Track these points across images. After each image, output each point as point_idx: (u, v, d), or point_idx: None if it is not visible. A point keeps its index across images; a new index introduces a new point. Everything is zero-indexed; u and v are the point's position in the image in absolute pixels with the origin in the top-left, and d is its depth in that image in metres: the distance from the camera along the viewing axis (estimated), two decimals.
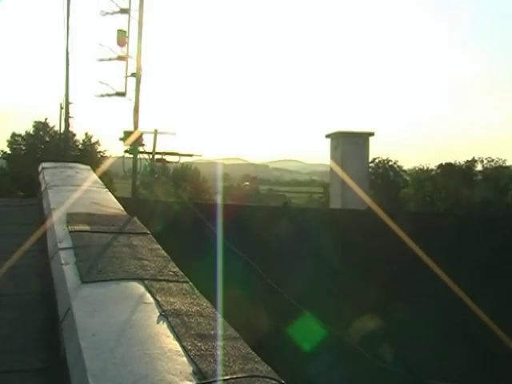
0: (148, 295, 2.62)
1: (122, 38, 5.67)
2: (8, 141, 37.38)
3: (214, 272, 4.41)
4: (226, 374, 1.84)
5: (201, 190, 42.89)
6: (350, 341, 6.32)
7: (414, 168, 51.06)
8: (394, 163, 48.91)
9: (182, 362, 1.93)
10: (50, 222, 4.44)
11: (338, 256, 8.60)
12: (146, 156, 6.16)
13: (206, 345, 2.08)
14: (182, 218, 7.41)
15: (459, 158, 52.57)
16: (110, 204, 5.34)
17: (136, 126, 5.44)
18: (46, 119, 37.37)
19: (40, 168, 7.84)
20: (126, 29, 5.72)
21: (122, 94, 5.73)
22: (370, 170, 30.62)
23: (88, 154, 34.63)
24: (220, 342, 2.13)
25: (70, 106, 17.90)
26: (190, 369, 1.89)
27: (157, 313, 2.39)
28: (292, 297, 5.97)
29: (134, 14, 5.56)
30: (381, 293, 8.08)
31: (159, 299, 2.55)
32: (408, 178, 49.96)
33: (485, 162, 48.81)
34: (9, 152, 37.28)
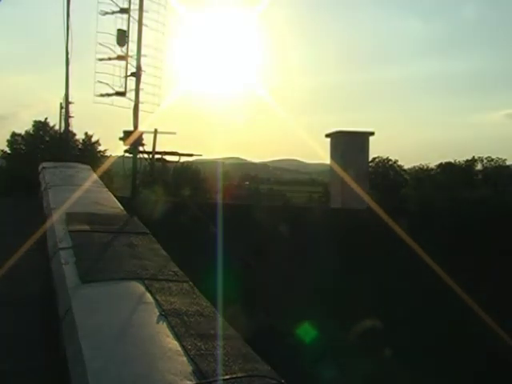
0: (148, 295, 2.62)
1: (121, 37, 5.67)
2: (8, 140, 37.36)
3: (214, 272, 4.41)
4: (226, 374, 1.84)
5: (201, 189, 42.86)
6: (350, 340, 6.32)
7: (414, 167, 51.14)
8: (394, 162, 48.91)
9: (182, 362, 1.93)
10: (50, 222, 4.44)
11: (338, 255, 8.59)
12: (145, 156, 6.16)
13: (205, 344, 2.09)
14: (182, 217, 7.40)
15: (459, 157, 52.59)
16: (110, 203, 5.35)
17: (136, 126, 5.44)
18: (46, 119, 37.35)
19: (40, 168, 7.85)
20: (125, 28, 5.71)
21: (122, 94, 5.72)
22: (370, 169, 30.55)
23: (88, 154, 34.62)
24: (220, 342, 2.13)
25: (70, 105, 17.87)
26: (189, 368, 1.89)
27: (157, 312, 2.39)
28: (292, 296, 5.98)
29: (134, 13, 5.57)
30: (380, 292, 8.08)
31: (159, 299, 2.55)
32: (408, 178, 49.97)
33: (485, 161, 48.90)
34: (9, 152, 37.28)
